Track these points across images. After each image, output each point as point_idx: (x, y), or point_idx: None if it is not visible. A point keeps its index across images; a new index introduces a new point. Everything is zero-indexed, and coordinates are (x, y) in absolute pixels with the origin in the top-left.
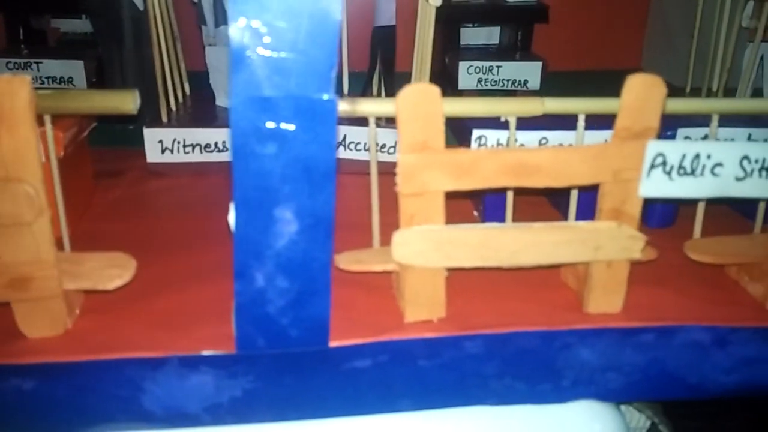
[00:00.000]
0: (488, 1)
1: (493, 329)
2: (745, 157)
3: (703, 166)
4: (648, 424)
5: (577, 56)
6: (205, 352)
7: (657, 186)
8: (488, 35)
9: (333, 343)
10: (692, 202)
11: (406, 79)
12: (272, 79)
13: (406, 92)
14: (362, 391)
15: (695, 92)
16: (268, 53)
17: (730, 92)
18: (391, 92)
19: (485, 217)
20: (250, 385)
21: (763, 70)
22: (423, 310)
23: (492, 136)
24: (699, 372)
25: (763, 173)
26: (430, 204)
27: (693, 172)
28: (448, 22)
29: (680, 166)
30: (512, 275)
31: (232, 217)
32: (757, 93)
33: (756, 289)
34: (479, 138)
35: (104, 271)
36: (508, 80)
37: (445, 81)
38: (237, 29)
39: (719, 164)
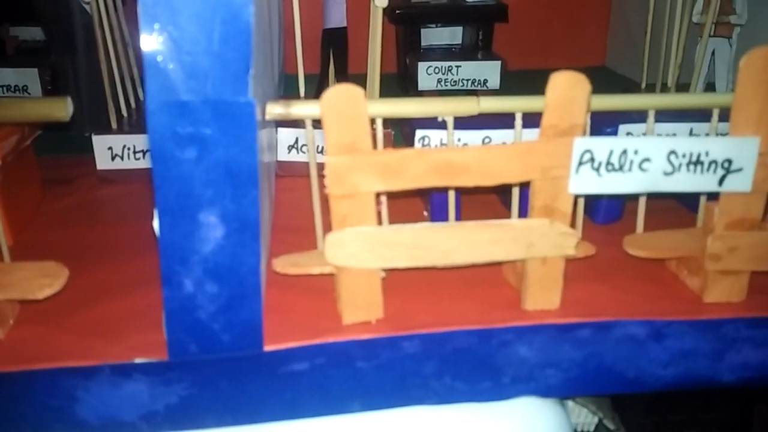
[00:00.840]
0: (448, 2)
1: (430, 329)
2: (672, 152)
3: (631, 162)
4: (596, 420)
5: (542, 54)
6: (138, 360)
7: (586, 182)
8: (451, 35)
9: (268, 347)
10: (637, 198)
11: (362, 80)
12: (188, 84)
13: (330, 94)
14: (301, 394)
15: (651, 88)
16: (182, 58)
17: (683, 87)
18: None
19: (433, 217)
20: (185, 392)
21: (714, 64)
22: (360, 311)
23: (435, 136)
24: (637, 366)
25: (691, 167)
26: (361, 205)
27: (621, 168)
28: (408, 23)
29: (608, 162)
30: (455, 274)
31: (156, 224)
32: (710, 87)
33: (693, 283)
34: (422, 138)
35: (34, 280)
36: (467, 80)
37: (408, 82)
38: (149, 35)
39: (647, 159)
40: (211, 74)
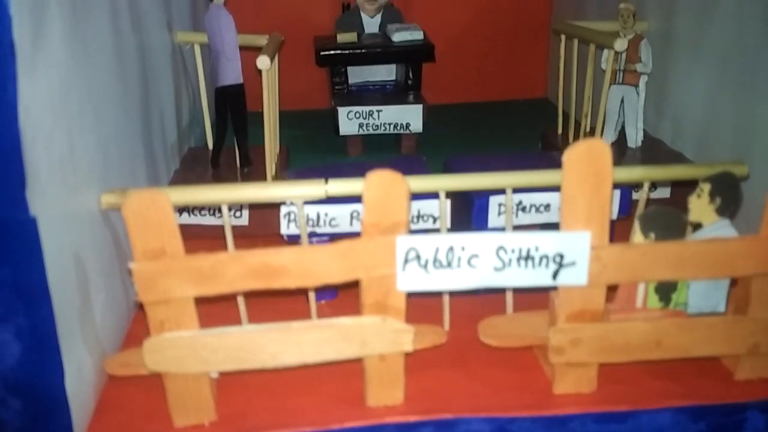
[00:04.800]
0: (379, 40)
1: (263, 431)
2: (501, 248)
3: (459, 258)
4: None
5: (484, 87)
6: None
7: (414, 280)
8: (387, 71)
9: None
10: None
11: (292, 116)
12: None
13: (131, 201)
14: None
15: (566, 133)
16: None
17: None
18: (243, 149)
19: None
20: None
21: (624, 112)
22: (191, 414)
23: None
24: None
25: (522, 262)
26: (178, 310)
27: (450, 265)
28: (333, 65)
29: (435, 259)
30: (311, 368)
31: None
32: (622, 132)
33: (548, 370)
34: (288, 214)
35: None
36: (390, 124)
37: (335, 125)
38: None
39: (475, 255)
40: None
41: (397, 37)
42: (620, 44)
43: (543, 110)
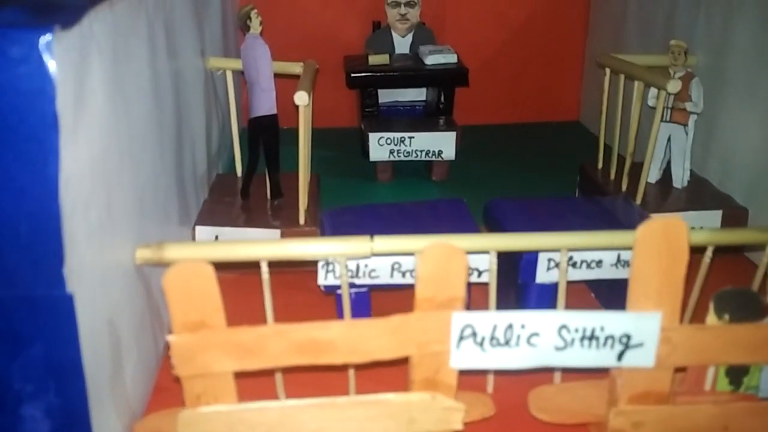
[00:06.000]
0: (410, 63)
1: None
2: (564, 327)
3: (518, 336)
4: None
5: (516, 108)
6: None
7: (470, 357)
8: (418, 92)
9: None
10: None
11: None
12: None
13: (173, 273)
14: None
15: (607, 168)
16: None
17: (638, 167)
18: (275, 181)
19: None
20: None
21: (671, 151)
22: None
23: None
24: None
25: (585, 342)
26: (217, 384)
27: (507, 343)
28: (363, 87)
29: (493, 337)
30: None
31: None
32: (667, 170)
33: None
34: (326, 265)
35: None
36: (421, 151)
37: (364, 149)
38: None
39: (535, 334)
40: (21, 269)
41: (430, 60)
42: (673, 86)
43: (575, 134)
